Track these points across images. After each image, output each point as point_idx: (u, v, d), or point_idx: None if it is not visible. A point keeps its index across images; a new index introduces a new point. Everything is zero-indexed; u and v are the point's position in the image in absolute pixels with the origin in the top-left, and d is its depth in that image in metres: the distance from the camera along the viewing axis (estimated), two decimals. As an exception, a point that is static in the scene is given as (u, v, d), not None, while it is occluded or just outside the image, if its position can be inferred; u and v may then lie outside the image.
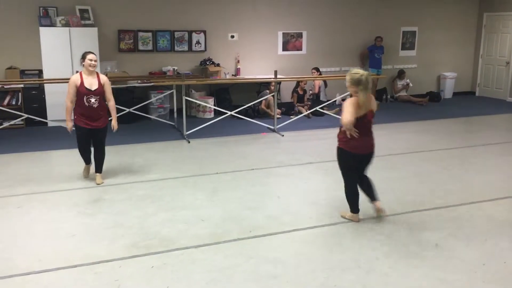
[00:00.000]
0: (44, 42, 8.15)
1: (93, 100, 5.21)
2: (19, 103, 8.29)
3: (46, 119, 8.21)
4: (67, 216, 4.61)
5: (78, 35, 8.31)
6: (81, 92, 5.19)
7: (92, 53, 5.32)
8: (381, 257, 3.79)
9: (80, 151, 5.48)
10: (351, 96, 4.31)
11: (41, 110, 8.26)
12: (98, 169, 5.54)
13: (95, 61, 5.28)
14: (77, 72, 5.48)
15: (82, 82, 5.21)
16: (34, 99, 8.38)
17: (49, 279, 3.47)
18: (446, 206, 4.88)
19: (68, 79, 7.77)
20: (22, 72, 8.48)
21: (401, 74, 11.26)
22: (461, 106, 10.82)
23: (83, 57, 5.27)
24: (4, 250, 3.89)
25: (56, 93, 8.19)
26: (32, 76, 8.46)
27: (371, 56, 10.76)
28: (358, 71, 4.21)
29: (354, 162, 4.36)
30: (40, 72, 8.40)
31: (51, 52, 8.19)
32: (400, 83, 11.30)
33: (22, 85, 8.26)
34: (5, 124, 7.96)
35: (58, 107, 8.23)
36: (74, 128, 5.41)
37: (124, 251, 3.89)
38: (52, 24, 8.29)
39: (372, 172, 5.94)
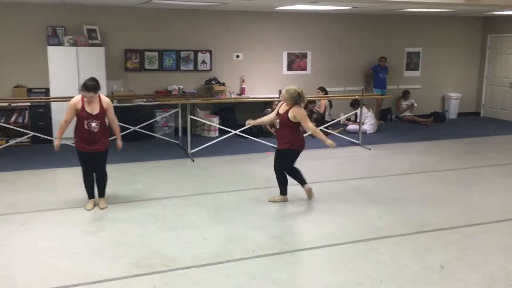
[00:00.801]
0: (51, 61, 8.25)
1: (93, 124, 5.02)
2: (25, 121, 8.37)
3: (52, 137, 8.25)
4: (70, 234, 4.60)
5: (85, 54, 8.41)
6: (82, 116, 5.01)
7: (90, 84, 4.97)
8: (385, 280, 3.75)
9: (84, 178, 5.29)
10: (290, 107, 5.40)
11: (47, 128, 8.32)
12: (101, 193, 5.36)
13: (91, 97, 5.00)
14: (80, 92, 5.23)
15: (83, 106, 5.02)
16: (41, 117, 8.46)
17: (51, 298, 3.46)
18: (451, 228, 4.84)
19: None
20: (30, 90, 8.57)
21: (405, 94, 11.29)
22: (466, 126, 10.80)
23: (81, 89, 5.02)
24: (6, 267, 3.88)
25: (62, 111, 8.08)
26: (39, 94, 8.55)
27: (376, 76, 10.81)
28: (292, 87, 5.43)
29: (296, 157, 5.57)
30: (47, 90, 8.48)
31: (59, 70, 8.29)
32: (404, 103, 11.31)
33: (29, 103, 8.34)
34: (12, 142, 8.01)
35: (64, 125, 8.29)
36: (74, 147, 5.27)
37: (126, 270, 3.87)
38: (60, 44, 8.41)
39: (376, 192, 5.94)
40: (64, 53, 8.33)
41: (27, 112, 8.38)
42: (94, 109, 5.03)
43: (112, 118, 5.28)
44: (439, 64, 11.75)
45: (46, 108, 8.45)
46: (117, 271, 3.84)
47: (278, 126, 5.53)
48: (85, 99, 4.99)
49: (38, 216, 5.03)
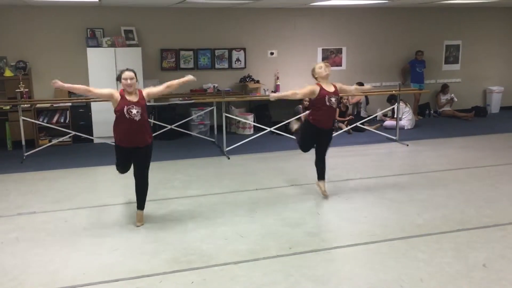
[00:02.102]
0: (91, 62, 8.48)
1: (134, 111, 4.53)
2: (67, 121, 8.63)
3: (92, 136, 8.50)
4: (110, 231, 4.72)
5: (123, 55, 8.60)
6: (121, 104, 4.55)
7: (129, 70, 4.64)
8: (426, 278, 3.67)
9: (119, 167, 4.97)
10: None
11: (88, 128, 8.56)
12: (141, 203, 4.85)
13: (132, 79, 4.57)
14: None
15: (122, 95, 4.60)
16: (81, 116, 8.70)
17: (93, 292, 3.56)
18: (494, 225, 4.68)
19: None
20: (71, 91, 8.83)
21: (444, 88, 10.99)
22: (509, 121, 10.41)
23: (119, 77, 4.66)
24: (50, 262, 4.02)
25: (102, 111, 8.48)
26: (79, 95, 8.79)
27: (413, 70, 10.57)
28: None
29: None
30: (87, 91, 8.71)
31: (98, 71, 8.50)
32: (443, 98, 11.02)
33: (70, 104, 8.60)
34: (54, 141, 8.29)
35: (104, 124, 8.51)
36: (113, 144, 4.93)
37: (164, 266, 3.94)
38: (99, 45, 8.62)
39: (415, 189, 5.81)
40: (103, 54, 8.54)
41: (68, 112, 8.65)
42: (134, 98, 4.61)
43: (159, 90, 4.92)
44: (480, 57, 11.37)
45: (86, 108, 8.69)
46: (156, 266, 3.92)
47: (334, 105, 5.43)
48: (126, 86, 4.56)
49: (80, 213, 5.18)
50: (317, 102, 5.34)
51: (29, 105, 8.22)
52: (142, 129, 4.68)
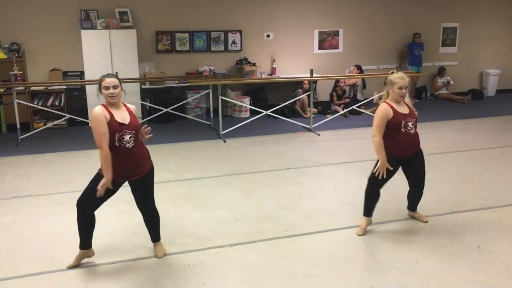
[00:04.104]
0: (85, 44, 8.39)
1: (127, 137, 3.48)
2: (62, 104, 8.57)
3: (87, 119, 8.44)
4: (107, 213, 4.71)
5: (117, 37, 8.51)
6: (112, 130, 3.43)
7: (110, 75, 3.58)
8: (421, 260, 3.70)
9: (83, 216, 3.66)
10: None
11: (83, 111, 8.50)
12: (155, 235, 3.89)
13: (116, 87, 3.48)
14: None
15: (111, 115, 3.46)
16: (76, 100, 8.65)
17: (89, 274, 3.57)
18: (488, 207, 4.72)
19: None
20: (65, 74, 8.76)
21: (441, 71, 10.96)
22: (505, 104, 10.42)
23: (99, 86, 3.54)
24: (49, 246, 4.02)
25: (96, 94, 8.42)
26: (74, 78, 8.73)
27: (411, 53, 10.53)
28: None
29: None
30: (82, 73, 8.65)
31: (92, 53, 8.42)
32: (440, 81, 11.00)
33: (64, 86, 8.54)
34: (49, 124, 8.24)
35: (99, 107, 8.45)
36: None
37: (161, 248, 3.95)
38: (93, 27, 8.52)
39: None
40: (97, 36, 8.45)
41: (63, 95, 8.58)
42: (126, 118, 3.52)
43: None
44: (477, 39, 11.33)
45: (81, 91, 8.63)
46: (153, 249, 3.93)
47: (412, 130, 4.16)
48: (108, 97, 3.48)
49: (75, 196, 5.15)
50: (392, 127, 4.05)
51: (23, 87, 8.16)
52: (141, 156, 3.62)
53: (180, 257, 3.81)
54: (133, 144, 3.53)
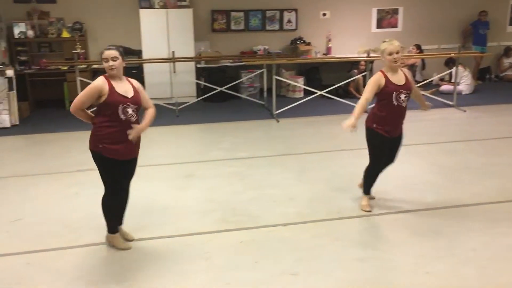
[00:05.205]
0: (143, 23, 8.58)
1: (130, 111, 3.43)
2: (121, 82, 8.83)
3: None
4: (162, 189, 4.88)
5: (174, 16, 8.63)
6: (115, 101, 3.37)
7: (111, 47, 3.47)
8: (479, 248, 3.57)
9: (113, 200, 3.63)
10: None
11: (140, 89, 8.72)
12: (122, 220, 3.80)
13: (115, 58, 3.42)
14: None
15: (111, 88, 3.40)
16: (134, 78, 8.70)
17: (145, 247, 3.71)
18: (555, 197, 4.46)
19: (166, 59, 8.26)
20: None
21: (508, 51, 10.36)
22: None
23: (101, 58, 3.47)
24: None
25: (154, 73, 8.65)
26: (132, 56, 8.96)
27: (475, 32, 10.01)
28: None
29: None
30: (140, 52, 8.87)
31: (150, 32, 8.60)
32: (507, 62, 10.40)
33: (124, 65, 8.78)
34: (109, 102, 8.53)
35: (156, 86, 8.69)
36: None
37: (214, 225, 4.04)
38: (151, 6, 8.68)
39: (471, 157, 5.60)
40: (155, 15, 8.61)
41: (122, 73, 8.84)
42: (128, 91, 3.48)
43: (148, 104, 3.69)
44: (550, 17, 10.58)
45: (139, 70, 8.85)
46: (205, 225, 4.02)
47: (404, 103, 4.00)
48: (107, 69, 3.43)
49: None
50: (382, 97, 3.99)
51: (85, 65, 8.48)
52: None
53: (233, 234, 3.88)
54: (136, 118, 3.50)
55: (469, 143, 6.21)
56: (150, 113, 3.66)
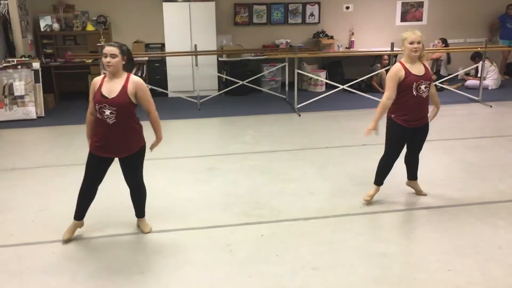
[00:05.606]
0: (166, 17, 8.62)
1: (107, 112, 3.43)
2: (144, 75, 8.92)
3: (167, 90, 8.75)
4: (184, 182, 4.91)
5: (197, 10, 8.65)
6: (95, 100, 3.49)
7: (111, 44, 3.49)
8: (505, 246, 3.50)
9: (81, 191, 3.65)
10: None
11: (163, 82, 8.80)
12: (139, 212, 3.89)
13: (113, 55, 3.41)
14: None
15: (100, 86, 3.50)
16: (157, 71, 8.95)
17: (168, 238, 3.75)
18: None
19: (188, 52, 8.30)
20: (147, 46, 9.08)
21: (537, 46, 10.07)
22: None
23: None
24: (131, 209, 4.26)
25: (176, 67, 8.70)
26: (155, 50, 9.03)
27: (503, 26, 9.75)
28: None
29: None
30: (163, 45, 8.92)
31: (172, 26, 8.64)
32: (535, 56, 10.12)
33: (146, 58, 8.86)
34: (132, 94, 8.61)
35: (178, 80, 8.75)
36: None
37: (235, 218, 4.05)
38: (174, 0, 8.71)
39: (497, 153, 5.48)
40: (178, 8, 8.64)
41: (145, 66, 8.92)
42: (112, 91, 3.47)
43: (147, 106, 3.67)
44: None
45: (162, 63, 8.91)
46: (227, 218, 4.04)
47: (424, 94, 3.96)
48: (105, 66, 3.49)
49: (156, 165, 5.40)
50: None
51: (109, 59, 8.56)
52: (120, 137, 3.54)
53: (254, 227, 3.89)
54: (114, 120, 3.46)
55: (495, 139, 6.08)
56: (154, 121, 3.75)
